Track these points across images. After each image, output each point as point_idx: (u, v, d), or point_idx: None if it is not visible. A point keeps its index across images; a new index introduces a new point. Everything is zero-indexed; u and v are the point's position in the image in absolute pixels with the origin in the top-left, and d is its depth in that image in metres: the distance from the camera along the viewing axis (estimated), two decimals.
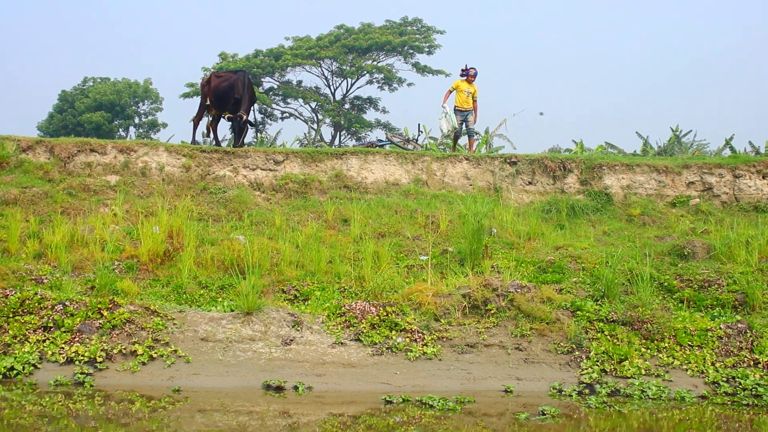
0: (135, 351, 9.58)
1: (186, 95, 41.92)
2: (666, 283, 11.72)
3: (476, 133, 17.95)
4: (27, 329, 9.76)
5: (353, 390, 9.26)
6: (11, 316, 9.90)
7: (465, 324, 10.49)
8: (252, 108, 18.21)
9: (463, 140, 19.50)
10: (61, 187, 14.78)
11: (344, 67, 42.70)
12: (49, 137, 22.12)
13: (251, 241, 12.54)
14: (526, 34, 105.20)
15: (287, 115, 44.59)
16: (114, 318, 9.95)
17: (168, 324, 10.11)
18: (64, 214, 13.57)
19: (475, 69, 18.68)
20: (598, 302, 11.04)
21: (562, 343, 10.15)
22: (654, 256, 12.56)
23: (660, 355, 9.98)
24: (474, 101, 18.70)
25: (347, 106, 44.26)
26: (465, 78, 18.67)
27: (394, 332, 10.29)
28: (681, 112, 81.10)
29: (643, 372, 9.69)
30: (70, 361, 9.40)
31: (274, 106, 43.92)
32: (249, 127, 18.25)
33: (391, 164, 16.94)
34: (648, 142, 31.12)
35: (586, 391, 9.40)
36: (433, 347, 10.06)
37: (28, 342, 9.60)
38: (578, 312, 10.63)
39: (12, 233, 12.19)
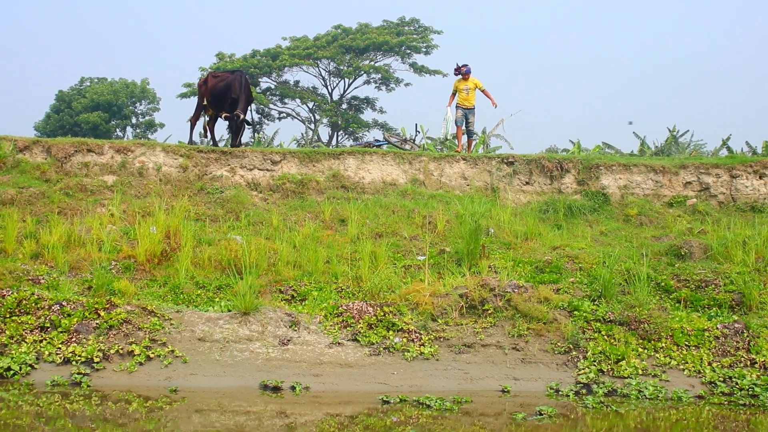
0: (132, 351, 9.57)
1: (183, 95, 41.93)
2: (663, 283, 11.73)
3: (475, 134, 17.89)
4: (24, 329, 9.75)
5: (350, 390, 9.26)
6: (8, 316, 9.88)
7: (462, 324, 10.49)
8: (249, 108, 18.21)
9: (463, 139, 19.44)
10: (58, 187, 14.77)
11: (341, 67, 42.71)
12: (46, 137, 22.10)
13: (248, 241, 12.54)
14: (524, 34, 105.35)
15: (284, 115, 44.64)
16: (111, 318, 9.93)
17: (165, 324, 10.10)
18: (61, 215, 13.56)
19: (467, 66, 18.67)
20: (595, 302, 11.04)
21: (559, 343, 10.15)
22: (651, 256, 12.57)
23: (657, 355, 9.99)
24: (483, 90, 18.78)
25: (344, 106, 44.28)
26: (460, 77, 18.72)
27: (391, 332, 10.29)
28: (678, 112, 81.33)
29: (640, 372, 9.69)
30: (67, 361, 9.38)
31: (271, 106, 43.93)
32: (246, 127, 18.24)
33: (388, 164, 16.94)
34: (645, 142, 31.12)
35: (583, 391, 9.40)
36: (430, 347, 10.06)
37: (25, 342, 9.59)
38: (575, 312, 10.64)
39: (9, 233, 12.17)
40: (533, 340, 10.24)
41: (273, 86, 43.86)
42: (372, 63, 43.10)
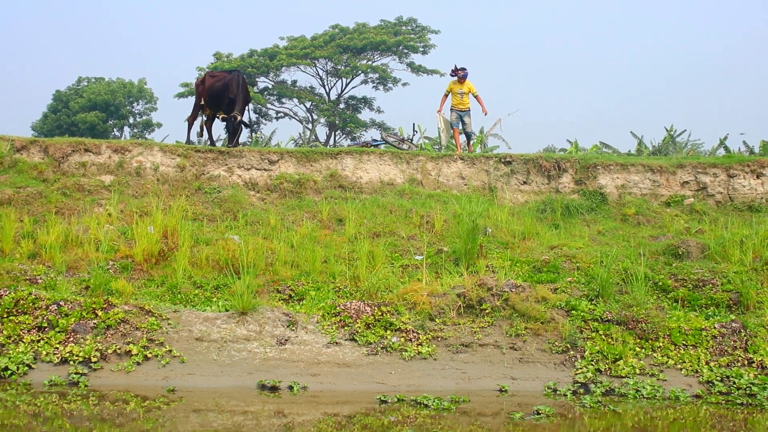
0: (130, 351, 9.57)
1: (180, 95, 41.89)
2: (660, 283, 11.74)
3: (473, 133, 17.82)
4: (21, 329, 9.74)
5: (348, 390, 9.26)
6: (5, 316, 9.87)
7: (460, 323, 10.49)
8: (247, 108, 18.20)
9: (461, 139, 19.40)
10: (55, 187, 14.76)
11: (339, 67, 42.70)
12: (43, 137, 22.08)
13: (246, 241, 12.53)
14: (522, 34, 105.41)
15: (282, 115, 44.61)
16: (108, 318, 9.93)
17: (163, 324, 10.10)
18: (59, 214, 13.54)
19: (465, 70, 18.53)
20: (593, 302, 11.05)
21: (556, 343, 10.16)
22: (648, 256, 12.58)
23: (654, 355, 9.99)
24: (476, 96, 18.62)
25: (342, 105, 44.27)
26: (456, 79, 18.56)
27: (389, 332, 10.29)
28: (676, 112, 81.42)
29: (638, 371, 9.70)
30: (64, 361, 9.37)
31: (268, 105, 43.90)
32: (243, 127, 18.24)
33: (386, 164, 16.94)
34: (642, 141, 31.18)
35: (581, 390, 9.41)
36: (428, 347, 10.06)
37: (23, 342, 9.58)
38: (573, 311, 10.64)
39: (6, 233, 12.16)
40: (531, 340, 10.25)
41: (270, 86, 43.86)
42: (369, 63, 43.10)
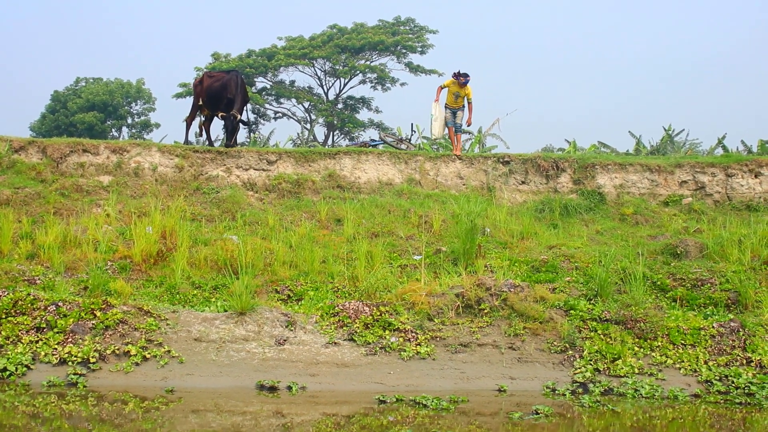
0: (128, 351, 9.56)
1: (179, 95, 41.84)
2: (659, 282, 11.75)
3: (463, 131, 17.57)
4: (20, 330, 9.73)
5: (347, 390, 9.26)
6: (4, 317, 9.86)
7: (458, 323, 10.49)
8: (245, 108, 18.20)
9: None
10: (53, 188, 14.75)
11: (337, 67, 42.67)
12: (41, 138, 22.04)
13: (244, 241, 12.53)
14: (522, 34, 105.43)
15: (280, 115, 44.56)
16: (107, 319, 9.92)
17: (161, 324, 10.09)
18: (57, 215, 13.54)
19: (468, 76, 17.79)
20: (591, 301, 11.06)
21: (555, 343, 10.16)
22: (647, 255, 12.59)
23: (653, 354, 10.00)
24: (469, 103, 18.03)
25: (340, 105, 44.24)
26: (457, 81, 17.92)
27: (387, 332, 10.29)
28: (674, 112, 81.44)
29: (637, 371, 9.71)
30: (63, 361, 9.37)
31: (267, 106, 43.86)
32: (242, 125, 18.24)
33: (384, 164, 16.94)
34: (641, 141, 31.20)
35: (580, 390, 9.41)
36: (426, 347, 10.06)
37: (21, 343, 9.57)
38: (571, 311, 10.64)
39: (4, 234, 12.15)
40: (529, 340, 10.25)
41: (269, 86, 43.81)
42: (367, 63, 43.07)
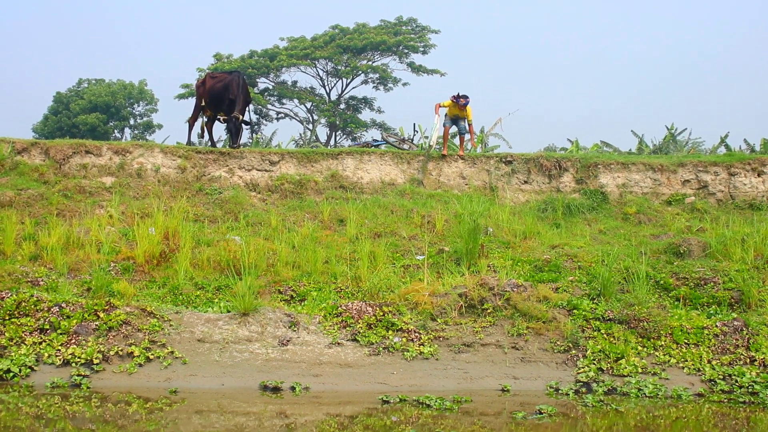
0: (132, 352, 9.57)
1: (181, 96, 41.91)
2: (662, 282, 11.74)
3: (470, 122, 17.15)
4: (23, 331, 9.74)
5: (350, 390, 9.26)
6: (7, 318, 9.87)
7: (461, 323, 10.49)
8: (247, 109, 18.21)
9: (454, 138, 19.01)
10: (56, 189, 14.77)
11: (339, 68, 42.69)
12: (44, 139, 22.09)
13: (247, 242, 12.54)
14: (522, 34, 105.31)
15: (282, 115, 44.60)
16: (110, 320, 9.93)
17: (164, 325, 10.10)
18: (60, 216, 13.55)
19: (467, 98, 17.19)
20: (595, 301, 11.05)
21: (558, 342, 10.16)
22: (650, 255, 12.58)
23: (656, 354, 9.99)
24: (469, 125, 17.53)
25: (342, 106, 44.26)
26: (456, 103, 17.19)
27: (390, 332, 10.29)
28: (676, 111, 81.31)
29: (640, 370, 9.70)
30: (66, 363, 9.37)
31: (269, 106, 43.89)
32: (245, 125, 18.24)
33: (386, 164, 16.95)
34: (643, 140, 31.13)
35: (583, 389, 9.41)
36: (429, 347, 10.06)
37: (25, 344, 9.58)
38: (575, 311, 10.64)
39: (7, 235, 12.16)
40: (533, 339, 10.25)
41: (271, 87, 43.86)
42: (369, 63, 43.09)
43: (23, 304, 10.07)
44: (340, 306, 10.70)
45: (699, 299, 11.30)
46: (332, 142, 42.29)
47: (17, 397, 8.54)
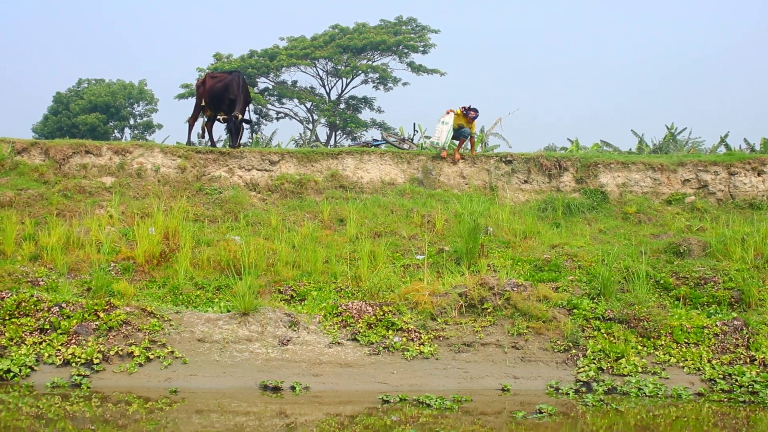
0: (132, 352, 9.57)
1: (181, 96, 41.92)
2: (662, 281, 11.74)
3: (473, 134, 17.24)
4: (23, 331, 9.74)
5: (350, 390, 9.26)
6: (7, 318, 9.87)
7: (462, 323, 10.50)
8: (247, 109, 18.21)
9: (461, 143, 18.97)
10: (56, 189, 14.77)
11: (339, 67, 42.70)
12: (44, 139, 22.10)
13: (247, 242, 12.54)
14: (522, 34, 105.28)
15: (282, 115, 44.61)
16: (110, 319, 9.93)
17: (164, 325, 10.10)
18: (60, 216, 13.55)
19: (477, 112, 17.15)
20: (595, 300, 11.05)
21: (558, 342, 10.16)
22: (650, 254, 12.59)
23: (656, 353, 9.99)
24: (471, 137, 17.58)
25: (342, 106, 44.27)
26: (466, 114, 17.12)
27: (390, 332, 10.29)
28: (677, 110, 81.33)
29: (640, 369, 9.70)
30: (66, 363, 9.37)
31: (269, 106, 43.90)
32: (245, 124, 18.24)
33: (386, 164, 16.95)
34: (643, 140, 31.15)
35: (583, 389, 9.41)
36: (429, 346, 10.06)
37: (25, 344, 9.58)
38: (575, 310, 10.64)
39: (8, 235, 12.16)
40: (533, 339, 10.25)
41: (271, 86, 43.87)
42: (369, 62, 43.09)
43: (23, 304, 10.06)
44: (340, 306, 10.70)
45: (699, 299, 11.30)
46: (332, 141, 42.31)
47: (17, 397, 8.54)
